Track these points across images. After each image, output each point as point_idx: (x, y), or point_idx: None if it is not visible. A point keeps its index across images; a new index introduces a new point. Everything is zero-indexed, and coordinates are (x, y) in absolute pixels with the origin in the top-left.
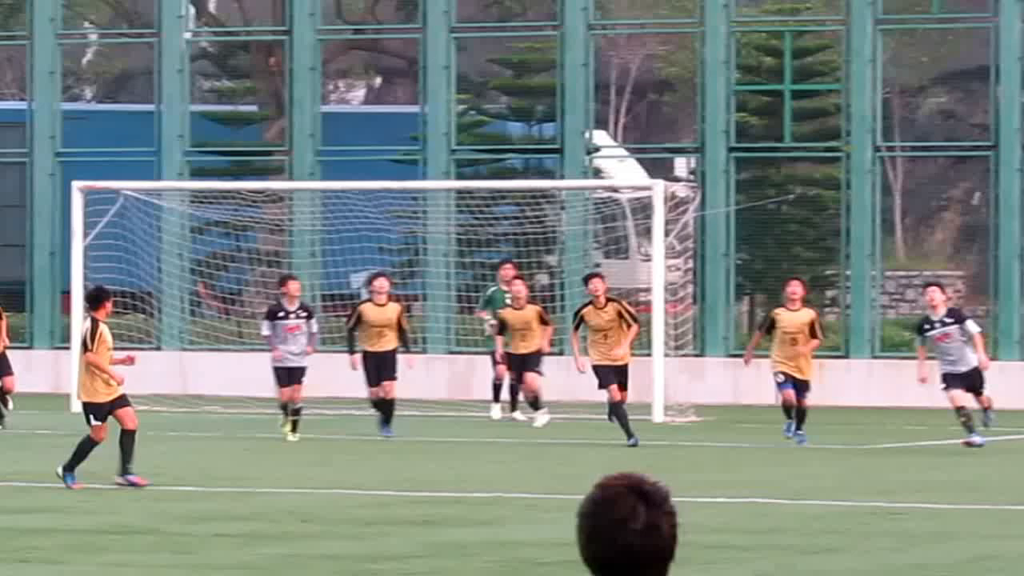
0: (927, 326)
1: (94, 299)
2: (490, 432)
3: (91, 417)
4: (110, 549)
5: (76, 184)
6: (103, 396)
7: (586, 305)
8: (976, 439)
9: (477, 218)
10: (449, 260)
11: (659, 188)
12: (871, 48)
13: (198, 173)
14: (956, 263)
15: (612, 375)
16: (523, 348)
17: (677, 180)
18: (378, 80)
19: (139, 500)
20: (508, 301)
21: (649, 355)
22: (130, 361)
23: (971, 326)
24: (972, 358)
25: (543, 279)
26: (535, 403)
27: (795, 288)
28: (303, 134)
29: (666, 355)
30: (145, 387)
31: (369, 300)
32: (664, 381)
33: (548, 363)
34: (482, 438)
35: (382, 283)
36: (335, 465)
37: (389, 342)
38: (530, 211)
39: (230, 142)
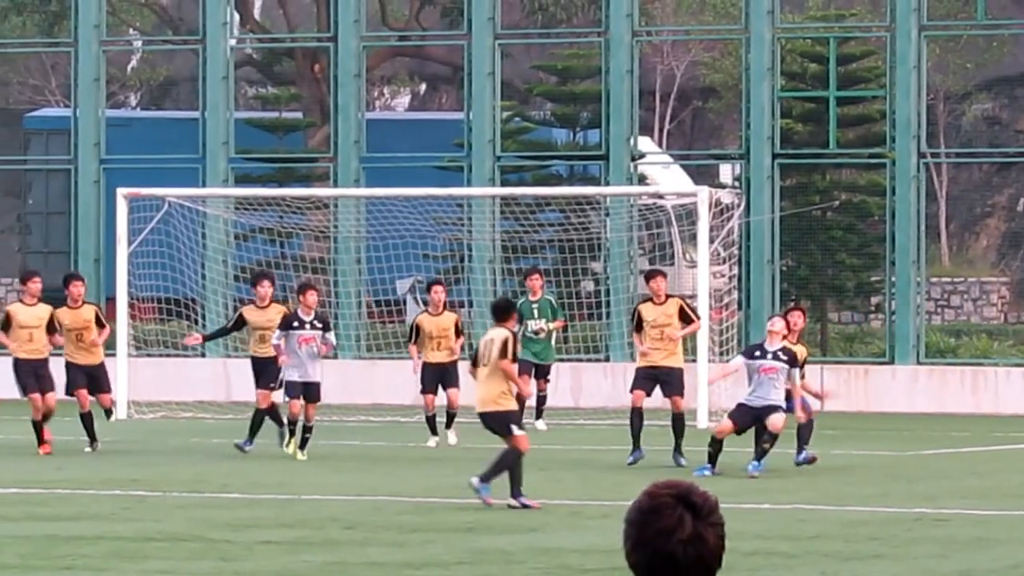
0: (758, 352)
1: (503, 310)
2: (533, 440)
3: (513, 427)
4: (154, 556)
5: (120, 191)
6: (512, 404)
7: (644, 301)
8: (707, 472)
9: (522, 225)
10: (494, 267)
11: (704, 195)
12: (915, 54)
13: (242, 180)
14: (1000, 269)
15: (646, 382)
16: (438, 357)
17: (722, 187)
18: (422, 87)
19: (184, 507)
20: (535, 312)
21: (694, 361)
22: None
23: (796, 375)
24: (776, 397)
25: (588, 286)
26: (450, 421)
27: (796, 319)
28: (347, 141)
29: (710, 361)
30: (189, 394)
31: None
32: (708, 387)
33: (593, 370)
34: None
35: (263, 288)
36: (379, 472)
37: (269, 347)
38: (575, 218)
39: (274, 149)
